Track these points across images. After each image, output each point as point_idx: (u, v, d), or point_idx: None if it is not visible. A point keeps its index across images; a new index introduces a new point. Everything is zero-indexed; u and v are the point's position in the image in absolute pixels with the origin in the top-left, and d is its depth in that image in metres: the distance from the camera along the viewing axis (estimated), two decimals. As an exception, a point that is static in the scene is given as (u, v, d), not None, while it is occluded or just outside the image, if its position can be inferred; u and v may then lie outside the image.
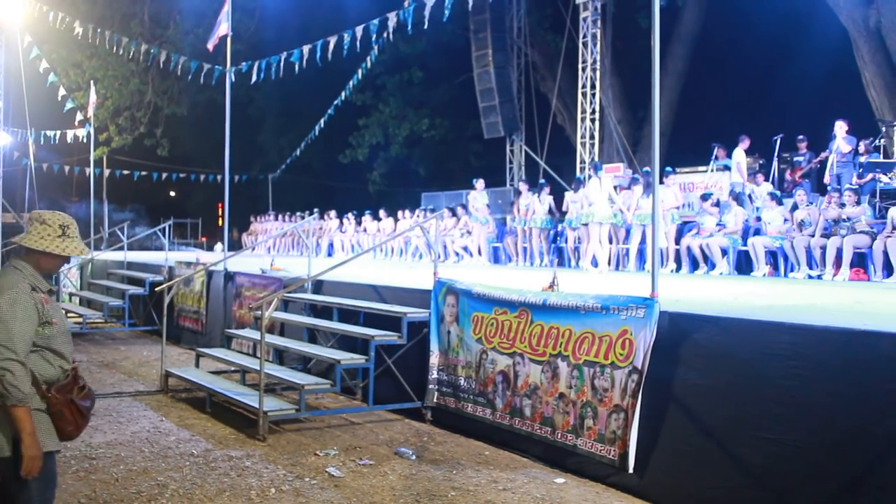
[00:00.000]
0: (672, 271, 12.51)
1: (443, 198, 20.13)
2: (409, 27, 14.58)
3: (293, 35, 20.16)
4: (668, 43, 22.73)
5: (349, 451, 6.50)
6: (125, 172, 25.94)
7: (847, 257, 10.48)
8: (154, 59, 17.42)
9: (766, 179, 14.28)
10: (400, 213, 19.25)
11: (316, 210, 22.55)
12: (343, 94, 19.98)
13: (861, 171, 12.50)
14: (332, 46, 12.60)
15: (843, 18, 17.55)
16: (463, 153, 28.09)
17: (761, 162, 14.86)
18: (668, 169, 13.47)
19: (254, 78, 12.25)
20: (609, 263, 13.38)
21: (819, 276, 10.78)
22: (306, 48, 12.47)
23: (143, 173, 26.76)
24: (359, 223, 20.53)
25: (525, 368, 6.26)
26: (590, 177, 16.40)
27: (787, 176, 14.00)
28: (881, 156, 13.37)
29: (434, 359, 7.29)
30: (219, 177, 25.43)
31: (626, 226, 13.50)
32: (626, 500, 5.35)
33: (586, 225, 13.02)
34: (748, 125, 17.96)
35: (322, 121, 20.86)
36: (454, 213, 16.55)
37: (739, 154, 13.68)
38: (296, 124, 28.38)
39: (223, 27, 11.45)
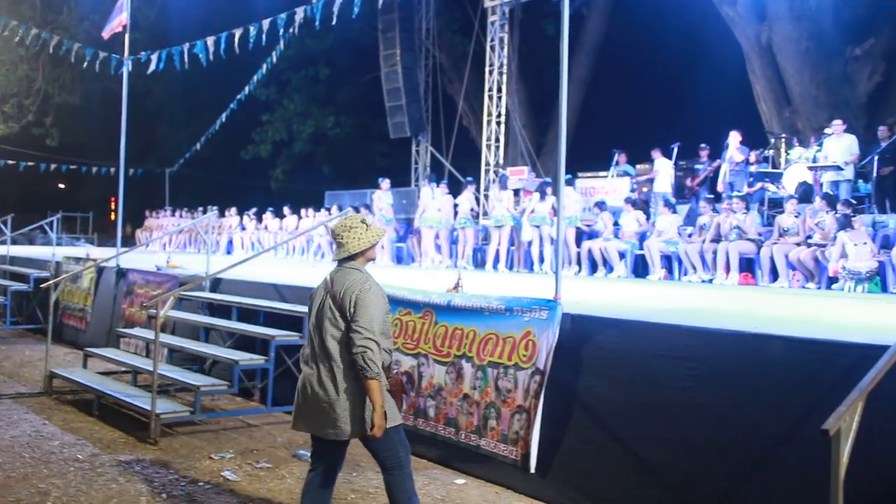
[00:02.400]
0: (575, 273, 12.75)
1: (347, 196, 19.92)
2: (318, 23, 14.33)
3: (196, 26, 19.55)
4: (573, 51, 23.17)
5: (246, 453, 6.31)
6: (10, 162, 24.59)
7: (734, 262, 10.92)
8: (45, 45, 16.53)
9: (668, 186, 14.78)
10: (304, 211, 18.94)
11: (215, 207, 21.98)
12: (247, 88, 19.47)
13: (751, 179, 13.07)
14: (237, 39, 12.21)
15: (738, 34, 18.31)
16: (368, 152, 27.93)
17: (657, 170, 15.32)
18: (569, 176, 13.71)
19: (152, 67, 11.75)
20: (511, 265, 13.55)
21: (710, 280, 11.19)
22: (210, 40, 12.04)
23: (30, 164, 25.43)
24: (259, 220, 20.11)
25: (429, 369, 6.22)
26: (492, 181, 16.63)
27: (687, 183, 14.47)
28: (770, 166, 14.02)
29: (336, 359, 7.16)
30: (112, 169, 24.42)
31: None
32: (525, 500, 5.38)
33: (498, 227, 13.13)
34: (649, 133, 18.55)
35: (224, 115, 20.27)
36: (358, 212, 16.35)
37: (663, 163, 14.09)
38: (196, 118, 27.55)
39: (121, 17, 10.96)
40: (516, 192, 14.35)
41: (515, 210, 13.42)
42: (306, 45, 22.65)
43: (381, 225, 3.80)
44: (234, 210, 21.11)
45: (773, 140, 15.06)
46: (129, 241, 27.97)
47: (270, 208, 19.84)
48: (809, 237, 10.58)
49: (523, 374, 5.47)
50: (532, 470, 5.29)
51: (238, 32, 11.89)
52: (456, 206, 14.42)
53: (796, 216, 10.85)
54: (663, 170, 14.75)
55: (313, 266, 13.75)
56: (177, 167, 25.02)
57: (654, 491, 4.74)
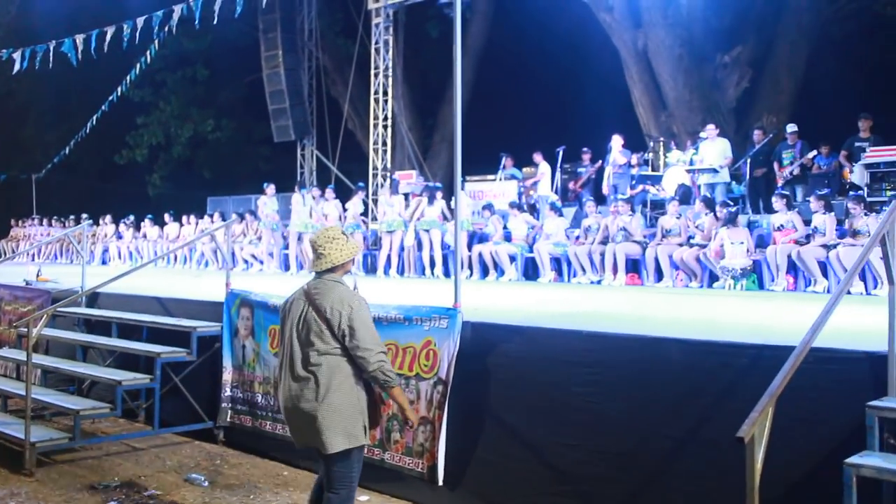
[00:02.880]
0: (467, 277, 12.77)
1: (230, 202, 19.34)
2: (197, 22, 13.76)
3: (62, 22, 18.51)
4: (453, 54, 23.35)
5: (133, 481, 5.93)
6: None
7: (621, 264, 11.21)
8: None
9: (550, 189, 15.05)
10: (185, 219, 18.21)
11: (86, 215, 20.81)
12: (119, 89, 18.51)
13: (633, 182, 13.47)
14: (108, 38, 11.51)
15: (615, 40, 18.87)
16: (251, 157, 27.19)
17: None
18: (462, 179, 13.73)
19: (16, 68, 10.94)
20: (402, 271, 13.46)
21: (599, 282, 11.45)
22: (80, 38, 11.31)
23: None
24: (137, 229, 19.20)
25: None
26: (381, 185, 16.48)
27: (570, 186, 14.77)
28: (650, 169, 14.50)
29: (227, 375, 6.86)
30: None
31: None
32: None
33: (390, 233, 13.00)
34: (533, 136, 18.85)
35: (95, 117, 19.21)
36: (242, 219, 15.91)
37: (545, 166, 14.29)
38: (65, 120, 26.06)
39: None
40: (406, 196, 14.26)
41: (405, 214, 13.34)
42: (183, 45, 21.77)
43: (357, 239, 3.96)
44: (108, 218, 20.09)
45: (651, 143, 15.61)
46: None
47: (149, 216, 18.97)
48: (691, 238, 10.99)
49: (425, 385, 5.37)
50: (440, 482, 5.20)
51: (110, 31, 11.22)
52: (345, 210, 14.23)
53: (677, 217, 11.24)
54: (546, 173, 15.04)
55: (197, 276, 13.21)
56: (44, 172, 23.54)
57: (563, 498, 4.74)
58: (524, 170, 15.77)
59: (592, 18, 18.97)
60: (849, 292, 7.28)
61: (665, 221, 11.35)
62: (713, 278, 10.46)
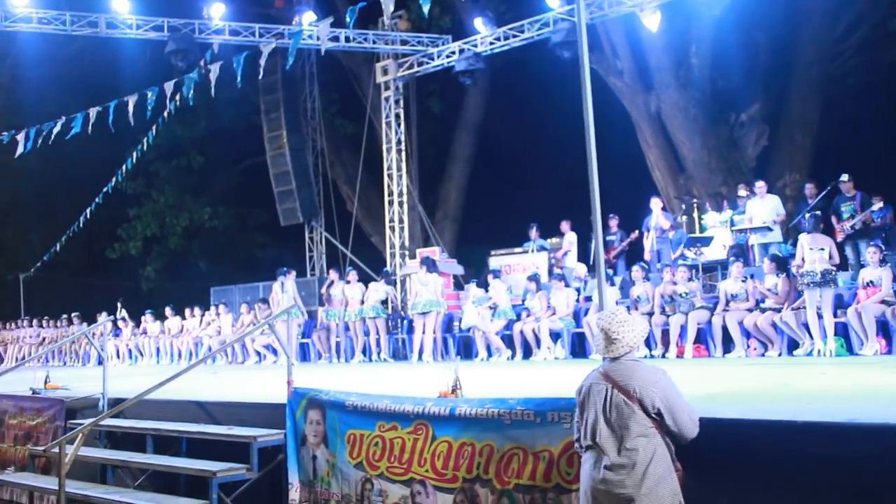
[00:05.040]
0: (508, 359, 11.75)
1: (235, 291, 18.26)
2: (190, 99, 12.87)
3: (49, 102, 17.82)
4: (454, 129, 22.84)
5: None
6: None
7: (692, 333, 10.27)
8: None
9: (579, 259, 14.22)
10: (188, 311, 17.09)
11: (77, 313, 19.64)
12: (115, 179, 17.64)
13: (681, 246, 12.62)
14: (131, 107, 10.45)
15: (627, 104, 18.40)
16: (247, 245, 26.26)
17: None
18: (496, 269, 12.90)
19: (20, 150, 9.94)
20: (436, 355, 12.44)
21: (663, 355, 10.47)
22: (93, 111, 10.34)
23: None
24: (137, 325, 18.03)
25: (430, 499, 4.93)
26: (401, 264, 15.54)
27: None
28: (685, 231, 13.73)
29: (295, 493, 5.72)
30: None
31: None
32: None
33: (424, 314, 12.00)
34: (538, 207, 18.14)
35: (88, 210, 18.24)
36: (266, 304, 14.97)
37: (572, 235, 13.48)
38: (50, 217, 25.07)
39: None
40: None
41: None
42: (176, 133, 21.05)
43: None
44: (104, 315, 18.86)
45: (683, 206, 14.86)
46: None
47: (149, 310, 17.82)
48: (760, 302, 10.09)
49: (570, 498, 4.30)
50: None
51: (132, 100, 10.25)
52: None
53: (743, 281, 10.36)
54: (574, 242, 14.26)
55: (213, 373, 12.01)
56: (33, 271, 22.37)
57: None
58: (550, 241, 14.93)
59: (600, 83, 18.50)
60: None
61: (728, 286, 10.46)
62: (792, 345, 9.55)
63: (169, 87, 11.22)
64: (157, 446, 6.58)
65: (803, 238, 9.35)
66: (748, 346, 9.92)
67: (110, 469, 6.53)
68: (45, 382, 8.83)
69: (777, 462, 3.87)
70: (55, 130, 10.17)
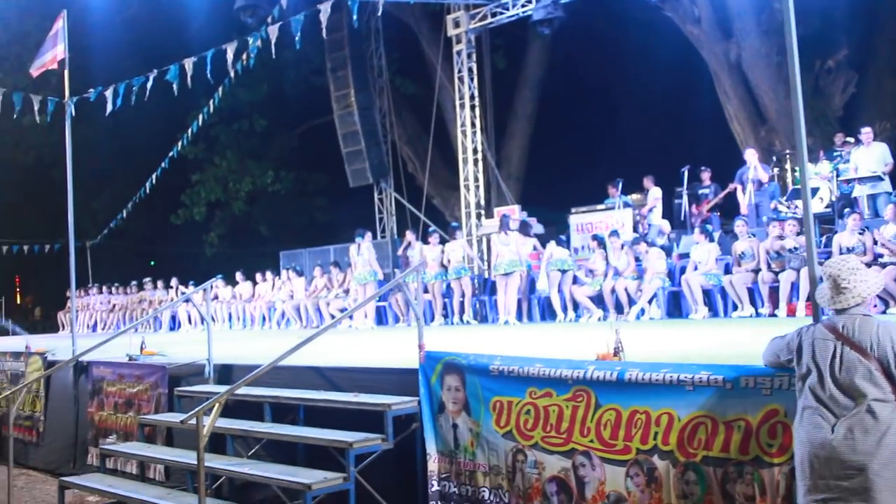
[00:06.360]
0: (599, 319, 11.30)
1: (305, 255, 18.00)
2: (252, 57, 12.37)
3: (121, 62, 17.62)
4: (515, 87, 22.13)
5: None
6: None
7: (805, 291, 9.67)
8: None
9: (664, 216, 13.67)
10: (258, 276, 16.92)
11: (148, 278, 19.64)
12: (180, 144, 17.41)
13: (783, 198, 11.97)
14: (188, 74, 9.97)
15: (705, 53, 17.54)
16: (307, 209, 26.02)
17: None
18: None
19: (109, 107, 9.64)
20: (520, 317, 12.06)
21: (772, 314, 9.93)
22: (188, 62, 9.92)
23: None
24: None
25: (596, 472, 4.52)
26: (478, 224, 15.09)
27: (694, 210, 13.27)
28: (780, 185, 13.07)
29: (434, 464, 5.36)
30: (14, 247, 21.79)
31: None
32: None
33: (507, 274, 11.58)
34: (606, 164, 17.47)
35: (154, 176, 18.04)
36: (340, 268, 14.73)
37: (657, 191, 12.89)
38: (109, 185, 25.13)
39: (56, 49, 8.93)
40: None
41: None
42: (237, 97, 20.71)
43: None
44: (175, 280, 18.84)
45: (774, 158, 14.15)
46: (47, 327, 25.02)
47: (219, 275, 17.66)
48: (879, 257, 9.46)
49: (772, 474, 3.86)
50: None
51: (190, 63, 9.84)
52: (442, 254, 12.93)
53: (860, 233, 9.71)
54: (659, 198, 13.67)
55: (297, 337, 11.73)
56: (99, 239, 22.40)
57: None
58: (632, 197, 14.35)
59: (676, 32, 17.67)
60: None
61: (843, 239, 9.83)
62: (919, 302, 8.93)
63: (232, 47, 10.80)
64: (274, 415, 6.27)
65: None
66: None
67: (229, 439, 6.20)
68: (142, 348, 8.59)
69: None
70: (148, 85, 9.79)
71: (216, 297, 17.56)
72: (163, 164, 18.25)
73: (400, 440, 5.48)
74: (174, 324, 18.20)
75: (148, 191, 19.32)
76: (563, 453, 4.68)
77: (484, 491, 5.09)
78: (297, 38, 12.49)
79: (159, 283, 19.44)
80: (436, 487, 5.34)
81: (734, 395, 4.01)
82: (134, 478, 6.89)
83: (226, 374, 7.17)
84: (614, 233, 12.07)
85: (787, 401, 3.81)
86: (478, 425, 5.13)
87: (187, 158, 21.95)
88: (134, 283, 19.83)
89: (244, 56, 12.84)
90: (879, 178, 11.04)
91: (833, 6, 16.88)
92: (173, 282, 18.77)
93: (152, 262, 28.85)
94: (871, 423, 3.33)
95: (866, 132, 11.55)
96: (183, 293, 18.52)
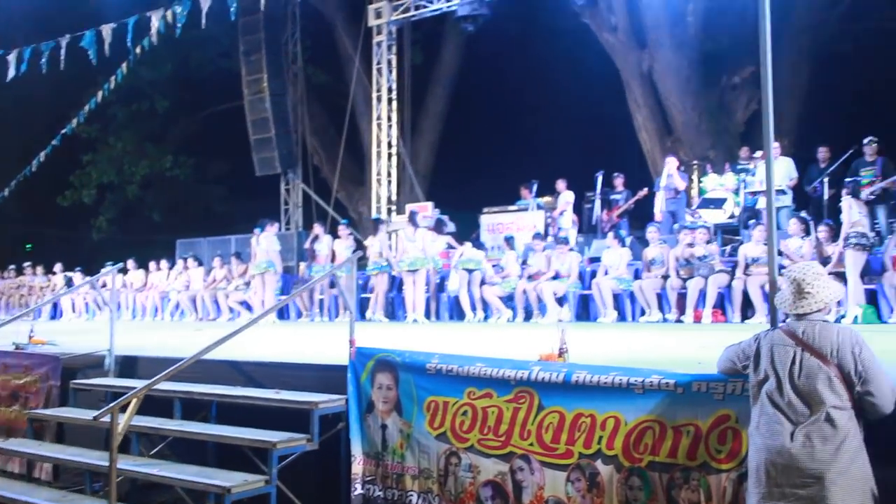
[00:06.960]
0: (508, 320, 11.24)
1: (204, 244, 17.24)
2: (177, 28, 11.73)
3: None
4: (428, 83, 21.97)
5: None
6: None
7: (711, 298, 9.91)
8: None
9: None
10: (153, 265, 16.10)
11: (28, 263, 18.40)
12: (76, 121, 16.36)
13: (693, 209, 12.23)
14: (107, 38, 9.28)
15: (619, 61, 17.84)
16: (204, 197, 25.04)
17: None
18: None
19: (11, 73, 8.83)
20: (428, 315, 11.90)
21: (678, 320, 10.11)
22: (106, 28, 9.19)
23: None
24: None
25: (535, 476, 4.36)
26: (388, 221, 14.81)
27: (605, 216, 13.40)
28: (686, 194, 13.37)
29: (359, 466, 5.07)
30: None
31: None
32: None
33: (413, 271, 11.38)
34: (515, 166, 17.56)
35: (43, 153, 16.89)
36: (240, 259, 14.13)
37: (569, 195, 12.93)
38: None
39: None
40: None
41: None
42: (138, 75, 19.66)
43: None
44: (59, 266, 17.72)
45: (682, 168, 14.47)
46: None
47: (109, 262, 16.69)
48: (782, 268, 9.75)
49: (719, 480, 3.79)
50: None
51: (106, 29, 9.16)
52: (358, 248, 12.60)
53: (764, 244, 9.98)
54: (570, 202, 13.75)
55: (196, 329, 11.18)
56: (-25, 219, 20.88)
57: None
58: (544, 199, 14.38)
59: (591, 40, 17.90)
60: None
61: (749, 249, 10.10)
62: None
63: (158, 14, 10.10)
64: (184, 412, 5.83)
65: (850, 201, 9.01)
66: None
67: (134, 437, 5.71)
68: (30, 337, 7.93)
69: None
70: (62, 53, 9.05)
71: (104, 285, 16.59)
72: (53, 142, 17.14)
73: (324, 440, 5.17)
74: (55, 312, 17.10)
75: (34, 169, 18.12)
76: (500, 457, 4.50)
77: (412, 495, 4.85)
78: (203, 16, 11.97)
79: (38, 269, 18.24)
80: (359, 491, 5.06)
81: (685, 399, 3.93)
82: (20, 478, 6.29)
83: (129, 366, 6.65)
84: (538, 235, 12.06)
85: (739, 406, 3.75)
86: (409, 426, 4.89)
87: (80, 137, 20.70)
88: (12, 267, 18.50)
89: (160, 28, 12.19)
90: (783, 192, 11.39)
91: (742, 25, 17.50)
92: (57, 267, 17.61)
93: (28, 246, 27.16)
94: (829, 431, 3.28)
95: (774, 147, 11.89)
96: (68, 279, 17.47)
